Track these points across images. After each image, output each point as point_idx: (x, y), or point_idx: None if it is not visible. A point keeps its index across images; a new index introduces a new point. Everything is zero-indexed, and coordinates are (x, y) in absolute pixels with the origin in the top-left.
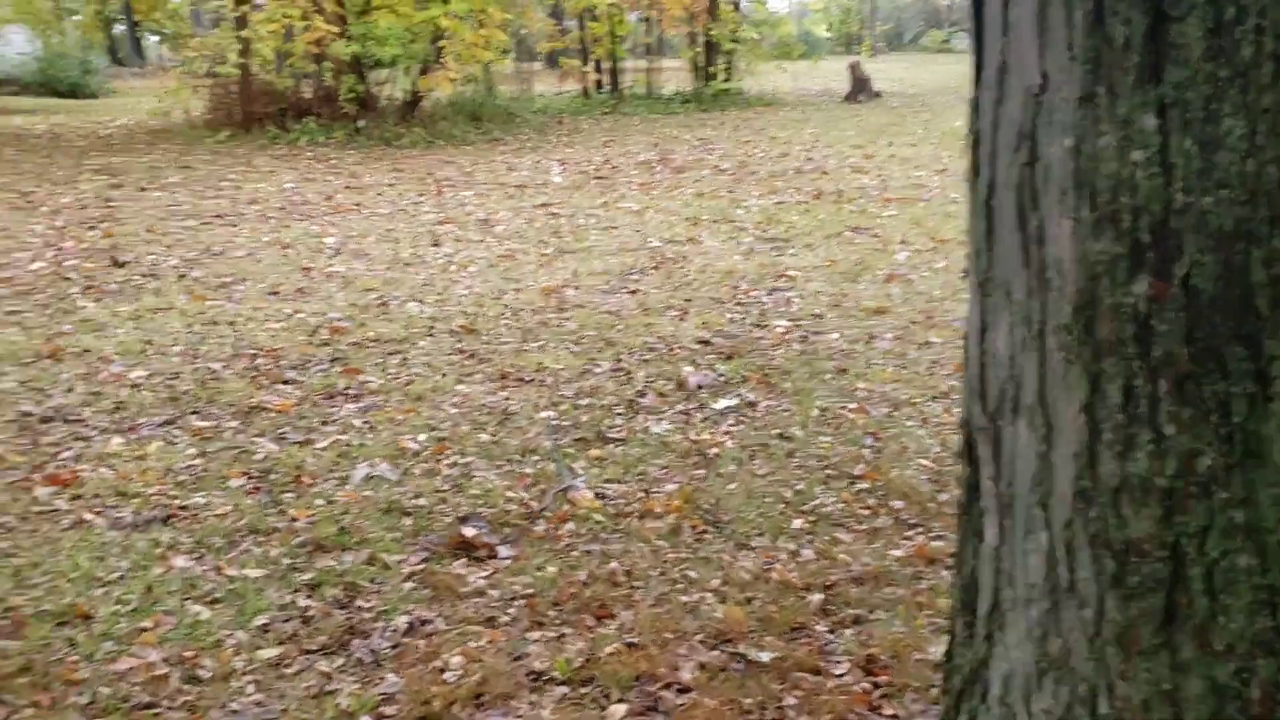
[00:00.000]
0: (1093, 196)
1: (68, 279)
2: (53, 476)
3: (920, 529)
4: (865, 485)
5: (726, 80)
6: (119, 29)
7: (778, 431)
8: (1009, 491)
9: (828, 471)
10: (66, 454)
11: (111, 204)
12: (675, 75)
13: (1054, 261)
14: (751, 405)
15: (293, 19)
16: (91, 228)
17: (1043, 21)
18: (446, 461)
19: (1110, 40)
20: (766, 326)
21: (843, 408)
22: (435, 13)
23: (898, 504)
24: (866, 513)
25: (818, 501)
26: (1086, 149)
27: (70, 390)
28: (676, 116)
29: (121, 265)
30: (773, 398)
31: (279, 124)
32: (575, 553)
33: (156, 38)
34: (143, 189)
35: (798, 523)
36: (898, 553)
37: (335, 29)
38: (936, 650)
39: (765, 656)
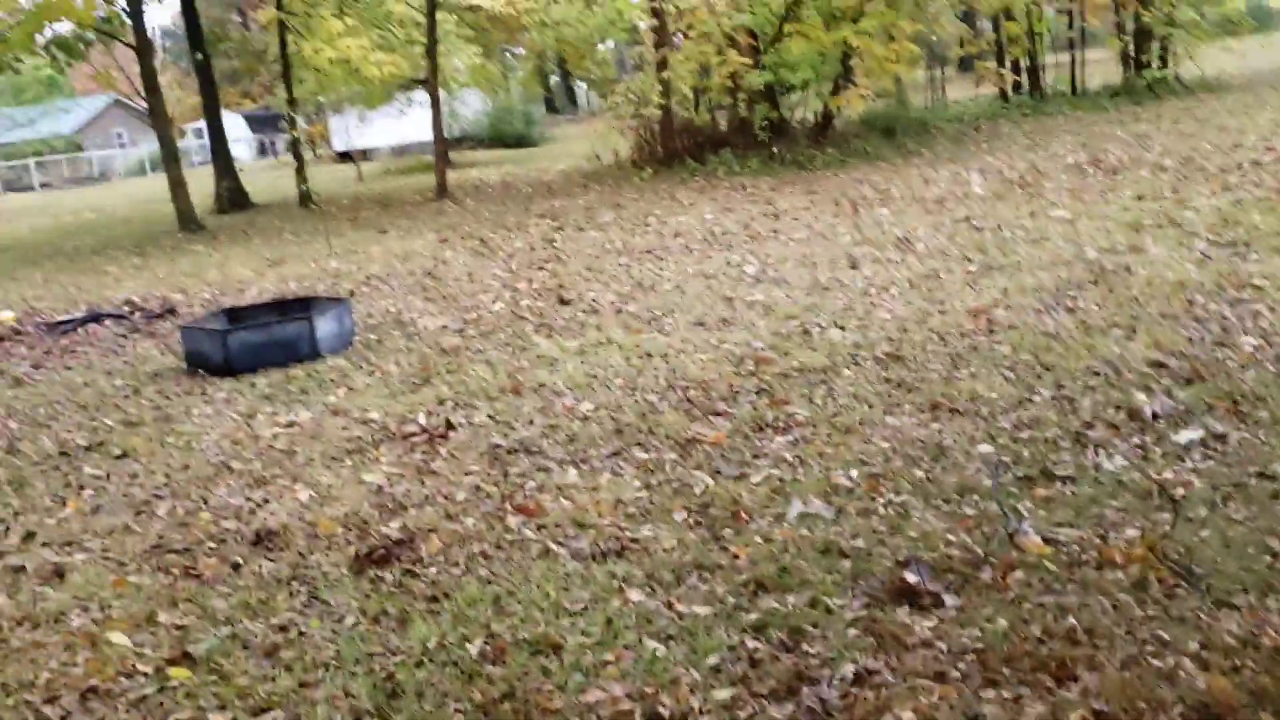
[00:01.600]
0: None
1: (523, 318)
2: (521, 507)
3: None
4: None
5: (1162, 67)
6: (554, 80)
7: (1256, 469)
8: None
9: None
10: (531, 484)
11: (555, 245)
12: (1101, 67)
13: None
14: (1221, 438)
15: (708, 55)
16: (540, 268)
17: None
18: (881, 500)
19: None
20: (1231, 345)
21: None
22: (845, 33)
23: None
24: None
25: None
26: None
27: (531, 423)
28: (1105, 112)
29: (567, 303)
30: (1246, 428)
31: (697, 157)
32: (1027, 605)
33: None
34: (580, 229)
35: None
36: None
37: (749, 61)
38: None
39: None
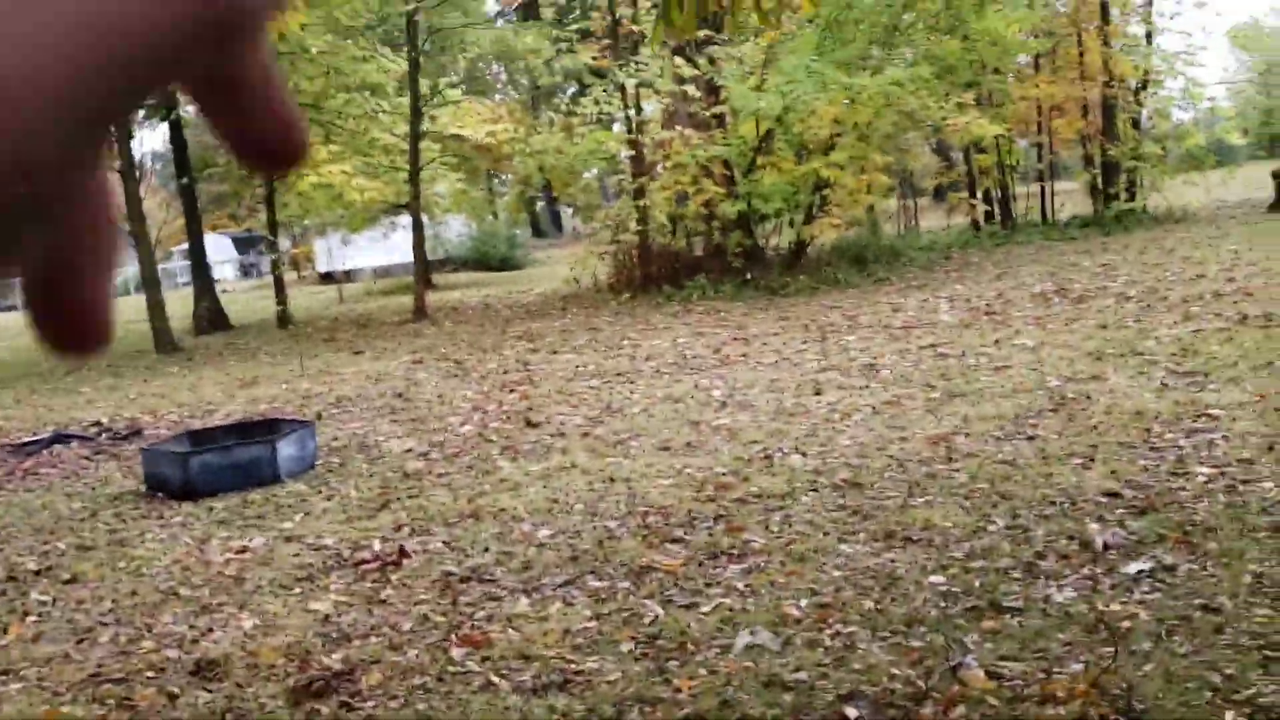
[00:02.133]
0: None
1: (490, 441)
2: (467, 637)
3: None
4: None
5: (1129, 200)
6: (539, 205)
7: (1202, 602)
8: None
9: (1266, 653)
10: (480, 614)
11: (529, 367)
12: (1071, 198)
13: None
14: (1170, 569)
15: (684, 185)
16: (511, 390)
17: None
18: (829, 630)
19: None
20: (1186, 475)
21: None
22: (815, 165)
23: None
24: None
25: (1253, 690)
26: None
27: (486, 550)
28: (1074, 242)
29: (535, 425)
30: (1195, 560)
31: (673, 282)
32: None
33: (571, 210)
34: (555, 352)
35: (1230, 716)
36: None
37: (723, 190)
38: None
39: None
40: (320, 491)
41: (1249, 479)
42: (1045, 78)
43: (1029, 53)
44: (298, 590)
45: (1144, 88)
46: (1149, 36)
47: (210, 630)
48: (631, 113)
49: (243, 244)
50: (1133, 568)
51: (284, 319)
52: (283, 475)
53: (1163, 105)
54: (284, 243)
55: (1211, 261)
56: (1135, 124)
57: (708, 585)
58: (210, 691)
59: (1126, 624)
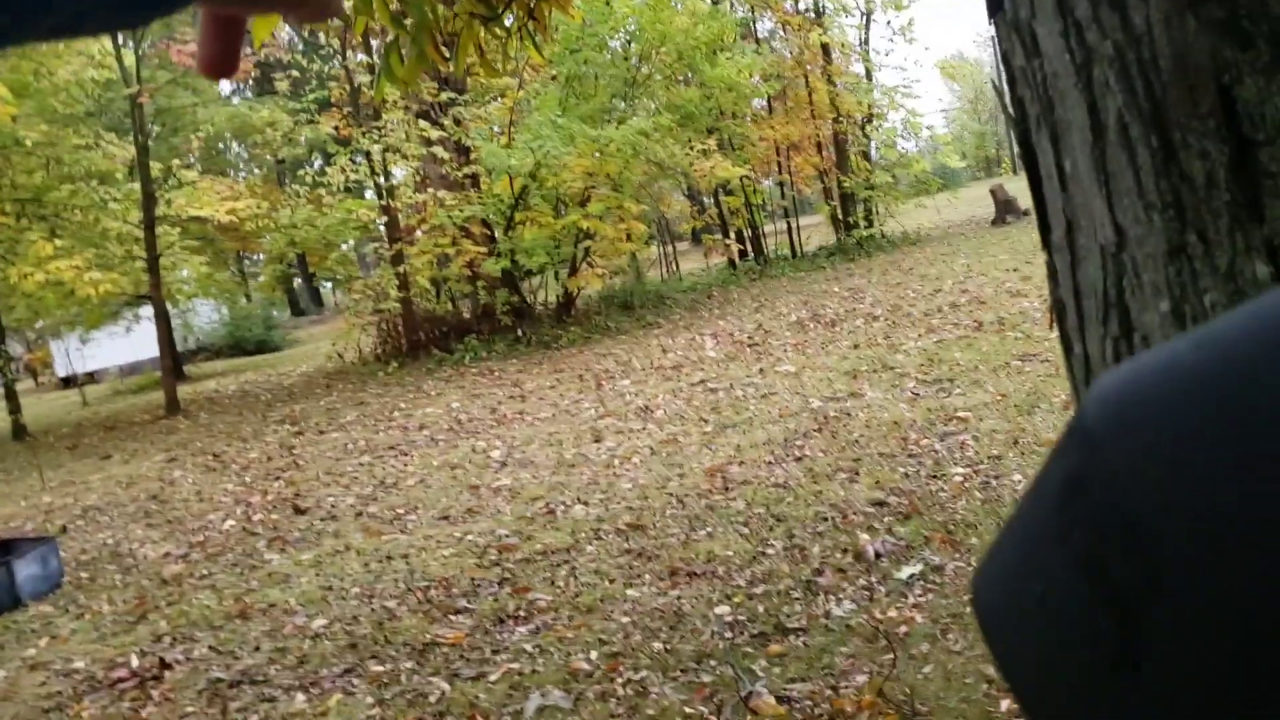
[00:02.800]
0: None
1: (255, 534)
2: None
3: None
4: None
5: (868, 227)
6: (298, 282)
7: (970, 596)
8: None
9: None
10: (254, 719)
11: (294, 451)
12: (817, 230)
13: None
14: (938, 569)
15: (444, 247)
16: (276, 478)
17: (1103, 167)
18: (620, 680)
19: (1189, 179)
20: (943, 476)
21: None
22: (575, 217)
23: None
24: None
25: None
26: (1189, 310)
27: (257, 649)
28: (823, 271)
29: (303, 512)
30: (960, 557)
31: (443, 346)
32: None
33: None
34: (321, 432)
35: (1005, 705)
36: None
37: (484, 249)
38: None
39: None
40: (68, 611)
41: (999, 474)
42: (780, 119)
43: (761, 96)
44: None
45: (869, 121)
46: (868, 73)
47: None
48: (380, 179)
49: None
50: (904, 572)
51: (19, 430)
52: (24, 598)
53: (887, 137)
54: (15, 347)
55: (946, 277)
56: (866, 156)
57: (494, 652)
58: None
59: (904, 629)
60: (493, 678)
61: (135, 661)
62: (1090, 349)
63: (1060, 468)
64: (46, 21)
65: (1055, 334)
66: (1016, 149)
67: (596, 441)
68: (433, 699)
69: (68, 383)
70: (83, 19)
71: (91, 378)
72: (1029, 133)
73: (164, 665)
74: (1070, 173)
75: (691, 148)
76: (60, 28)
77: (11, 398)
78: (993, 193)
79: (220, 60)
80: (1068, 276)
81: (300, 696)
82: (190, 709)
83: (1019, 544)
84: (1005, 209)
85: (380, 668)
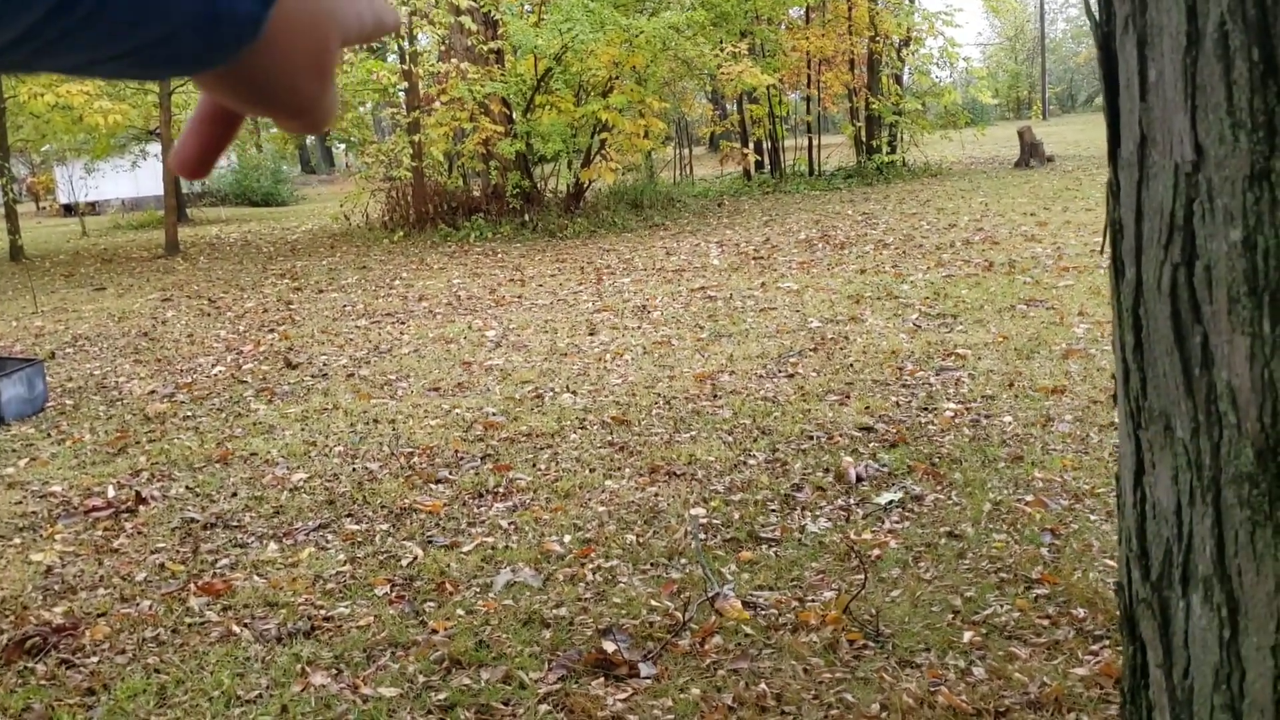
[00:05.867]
0: (1275, 305)
1: (244, 382)
2: (207, 586)
3: (1107, 642)
4: (1044, 591)
5: (890, 153)
6: (311, 139)
7: (947, 529)
8: (1185, 685)
9: (1002, 575)
10: (224, 562)
11: (291, 307)
12: (838, 151)
13: (1226, 390)
14: (918, 499)
15: (461, 121)
16: (270, 330)
17: (1192, 78)
18: (591, 566)
19: None
20: (934, 410)
21: (1018, 501)
22: (595, 107)
23: (1081, 612)
24: (1045, 623)
25: (990, 610)
26: (1262, 242)
27: (234, 495)
28: (839, 192)
29: (294, 367)
30: (941, 490)
31: (450, 222)
32: (721, 671)
33: (344, 146)
34: (320, 291)
35: (968, 635)
36: (1081, 671)
37: (501, 129)
38: None
39: None
40: (49, 435)
41: (991, 414)
42: (815, 30)
43: (800, 4)
44: (17, 541)
45: (906, 44)
46: None
47: None
48: (404, 43)
49: None
50: (884, 498)
51: (16, 252)
52: (7, 417)
53: (922, 63)
54: (20, 169)
55: (963, 213)
56: (898, 80)
57: (470, 525)
58: None
59: (877, 552)
60: (466, 548)
61: (112, 492)
62: (1145, 274)
63: None
64: (60, 61)
65: (1065, 281)
66: (1095, 53)
67: (591, 334)
68: (404, 562)
69: (69, 210)
70: (95, 66)
71: (93, 208)
72: (1112, 36)
73: (140, 499)
74: (1153, 82)
75: (722, 49)
76: (73, 67)
77: (11, 218)
78: (1020, 134)
79: (198, 161)
80: (1131, 195)
81: (273, 545)
82: (162, 545)
83: None
84: (1030, 152)
85: (355, 526)
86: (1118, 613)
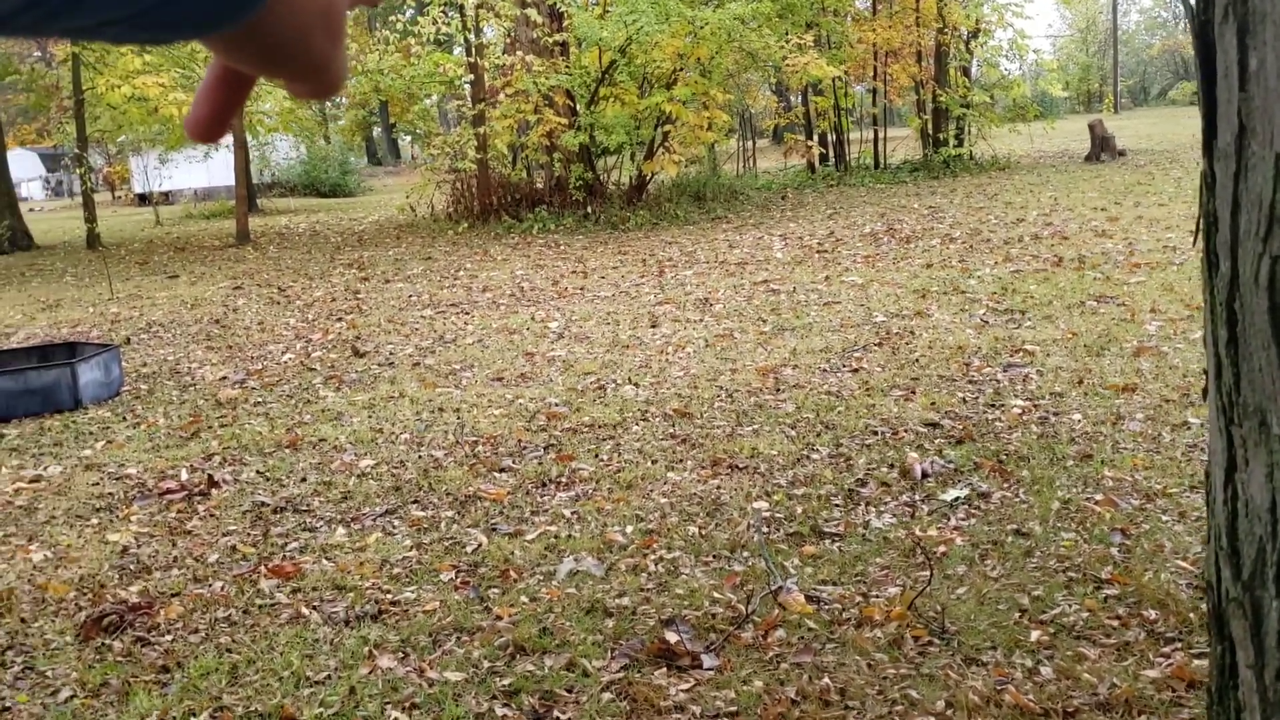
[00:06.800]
0: None
1: (312, 369)
2: (277, 569)
3: (1179, 644)
4: (1114, 591)
5: (957, 146)
6: (377, 131)
7: (1014, 527)
8: (1277, 686)
9: (1070, 574)
10: (293, 545)
11: (358, 296)
12: (903, 144)
13: None
14: (984, 496)
15: (526, 113)
16: (338, 319)
17: None
18: (653, 556)
19: None
20: (1001, 407)
21: (1087, 499)
22: (659, 99)
23: (1151, 614)
24: (1115, 624)
25: (1059, 610)
26: None
27: (304, 480)
28: (904, 186)
29: (362, 355)
30: (1008, 488)
31: (513, 214)
32: (784, 665)
33: (410, 138)
34: (387, 281)
35: (1035, 634)
36: (1152, 673)
37: (565, 121)
38: None
39: None
40: (125, 419)
41: (1060, 411)
42: (883, 22)
43: None
44: (95, 521)
45: (975, 36)
46: None
47: None
48: (471, 35)
49: (52, 161)
50: (950, 494)
51: (93, 240)
52: (85, 401)
53: (991, 55)
54: (96, 159)
55: (1031, 207)
56: (966, 72)
57: (534, 513)
58: None
59: (942, 549)
60: (529, 537)
61: (185, 475)
62: (1241, 268)
63: None
64: (69, 23)
65: (1136, 278)
66: (1192, 42)
67: (653, 326)
68: (469, 549)
69: (143, 200)
70: (103, 29)
71: (166, 198)
72: (1210, 24)
73: (212, 483)
74: (1255, 71)
75: (787, 41)
76: (80, 30)
77: (89, 207)
78: (1091, 128)
79: (210, 124)
80: (1228, 187)
81: (341, 530)
82: (234, 527)
83: None
84: (1101, 146)
85: (421, 513)
86: (1192, 614)
